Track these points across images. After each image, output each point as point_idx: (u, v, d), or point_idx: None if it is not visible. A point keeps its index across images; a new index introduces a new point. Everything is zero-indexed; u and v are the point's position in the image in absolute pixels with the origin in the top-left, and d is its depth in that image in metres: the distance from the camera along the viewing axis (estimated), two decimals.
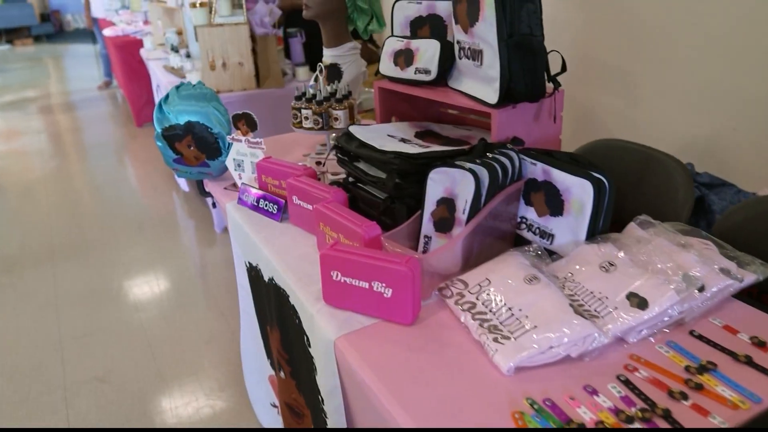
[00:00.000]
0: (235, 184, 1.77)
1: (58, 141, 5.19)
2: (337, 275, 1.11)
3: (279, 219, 1.53)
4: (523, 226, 1.32)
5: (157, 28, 4.18)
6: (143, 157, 4.60)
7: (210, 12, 2.85)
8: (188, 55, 3.31)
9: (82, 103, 6.34)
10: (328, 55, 1.96)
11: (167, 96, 1.77)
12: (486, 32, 1.26)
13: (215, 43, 2.85)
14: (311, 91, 1.71)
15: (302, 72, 3.07)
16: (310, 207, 1.42)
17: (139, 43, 4.94)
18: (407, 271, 1.04)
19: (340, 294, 1.12)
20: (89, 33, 7.17)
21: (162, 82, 3.42)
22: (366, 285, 1.08)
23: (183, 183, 3.62)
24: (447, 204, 1.21)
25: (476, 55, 1.32)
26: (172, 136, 1.73)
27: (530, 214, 1.30)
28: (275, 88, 2.99)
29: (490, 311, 1.05)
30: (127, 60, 4.98)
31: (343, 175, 1.68)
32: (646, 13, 2.22)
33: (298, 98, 1.75)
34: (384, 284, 1.06)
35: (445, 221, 1.22)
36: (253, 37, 2.89)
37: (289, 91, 3.03)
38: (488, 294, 1.08)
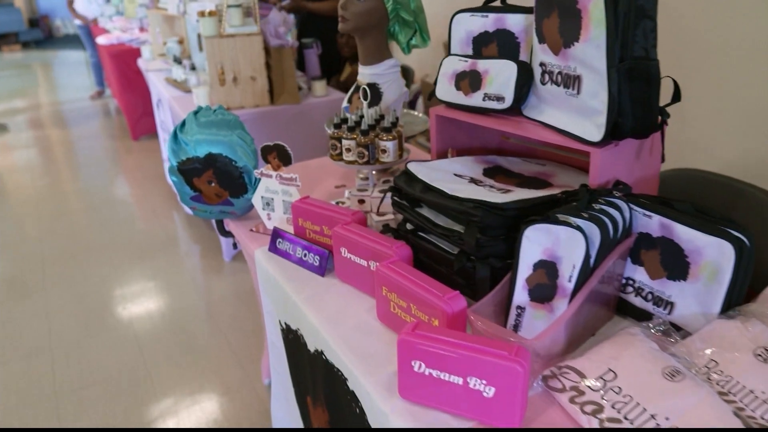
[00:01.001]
0: (262, 226, 1.55)
1: (50, 156, 4.95)
2: (420, 366, 0.89)
3: (323, 273, 1.30)
4: (630, 288, 1.10)
5: (156, 37, 3.96)
6: (141, 174, 4.37)
7: (220, 21, 2.63)
8: (193, 68, 3.09)
9: (74, 113, 6.10)
10: (366, 74, 1.75)
11: (183, 123, 1.55)
12: (590, 55, 1.04)
13: (225, 56, 2.63)
14: (353, 117, 1.49)
15: (319, 87, 2.85)
16: (363, 263, 1.19)
17: (136, 52, 4.71)
18: (517, 367, 0.82)
19: (423, 388, 0.90)
20: (76, 39, 6.95)
21: (164, 97, 3.20)
22: (459, 381, 0.86)
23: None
24: (547, 268, 0.99)
25: (571, 81, 1.11)
26: (189, 171, 1.50)
27: (639, 275, 1.08)
28: (291, 105, 2.76)
29: (626, 418, 0.83)
30: (122, 70, 4.75)
31: (391, 216, 1.47)
32: (696, 28, 2.02)
33: (338, 126, 1.53)
34: (484, 381, 0.85)
35: (543, 288, 1.00)
36: (266, 49, 2.67)
37: (305, 107, 2.81)
38: (618, 393, 0.86)
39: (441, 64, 1.44)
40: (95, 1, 6.22)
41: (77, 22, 6.29)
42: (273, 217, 1.52)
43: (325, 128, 1.61)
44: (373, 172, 1.60)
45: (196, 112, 1.57)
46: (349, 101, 1.82)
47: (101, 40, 5.01)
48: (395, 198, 1.27)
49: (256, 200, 1.52)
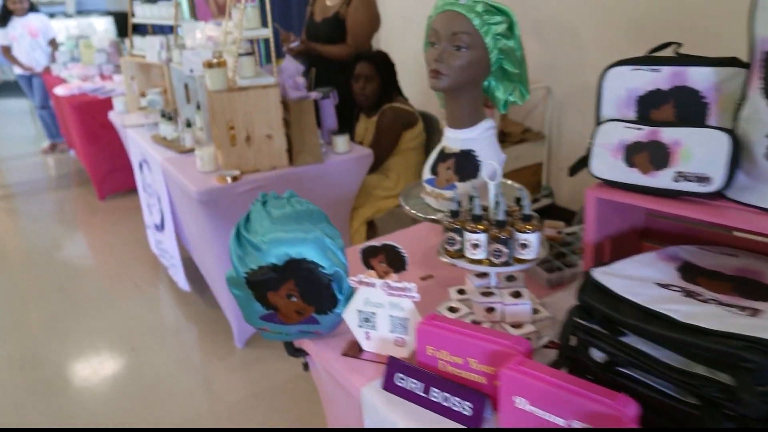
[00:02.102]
0: (357, 348, 1.20)
1: None
2: (522, 403, 0.62)
3: (479, 424, 0.96)
4: None
5: (131, 87, 3.57)
6: (114, 240, 3.91)
7: (230, 73, 2.29)
8: (188, 124, 2.72)
9: (22, 171, 5.54)
10: (457, 139, 1.44)
11: (248, 217, 1.20)
12: None
13: (237, 112, 2.28)
14: (478, 208, 1.16)
15: (341, 143, 2.52)
16: (561, 422, 0.86)
17: (102, 104, 4.29)
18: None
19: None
20: (18, 86, 6.34)
21: (153, 158, 2.81)
22: (562, 422, 0.54)
23: (180, 279, 2.97)
24: None
25: None
26: (263, 283, 1.15)
27: None
28: (312, 165, 2.43)
29: None
30: (87, 123, 4.31)
31: (530, 329, 1.14)
32: None
33: (455, 214, 1.20)
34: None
35: None
36: (283, 103, 2.34)
37: (328, 167, 2.48)
38: None
39: (595, 132, 1.14)
40: (39, 48, 5.74)
41: (18, 70, 5.79)
42: (373, 337, 1.18)
43: (439, 254, 1.28)
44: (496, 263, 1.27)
45: (264, 203, 1.22)
46: (434, 172, 1.50)
47: (60, 90, 4.56)
48: (580, 321, 0.95)
49: (350, 315, 1.18)
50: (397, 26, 4.46)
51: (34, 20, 5.72)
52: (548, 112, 3.58)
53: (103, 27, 7.87)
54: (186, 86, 3.10)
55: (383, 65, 2.80)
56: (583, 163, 1.18)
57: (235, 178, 2.29)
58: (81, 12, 9.41)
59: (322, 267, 1.15)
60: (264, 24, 2.33)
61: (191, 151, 2.70)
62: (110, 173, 4.51)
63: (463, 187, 1.44)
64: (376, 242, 1.16)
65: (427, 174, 1.53)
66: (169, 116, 2.89)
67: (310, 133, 2.39)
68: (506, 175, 3.68)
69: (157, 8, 3.40)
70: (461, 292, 1.31)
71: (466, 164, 1.44)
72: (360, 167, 2.58)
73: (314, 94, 2.40)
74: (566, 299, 1.34)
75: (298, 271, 1.15)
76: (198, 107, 3.02)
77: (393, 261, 1.13)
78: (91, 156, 4.43)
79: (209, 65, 2.24)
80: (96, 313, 3.07)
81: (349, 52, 3.11)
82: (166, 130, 2.87)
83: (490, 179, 1.20)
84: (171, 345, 2.75)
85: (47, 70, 5.67)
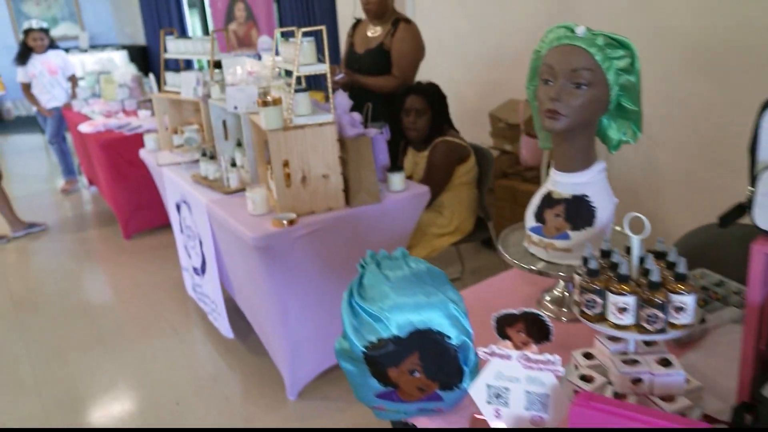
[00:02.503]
0: (484, 426, 1.06)
1: (16, 265, 4.30)
2: None
3: None
4: None
5: (162, 124, 3.48)
6: (143, 281, 3.79)
7: (285, 110, 2.18)
8: (233, 164, 2.61)
9: (41, 210, 5.42)
10: (569, 183, 1.32)
11: (360, 280, 1.07)
12: None
13: (293, 152, 2.17)
14: (624, 267, 1.03)
15: (397, 180, 2.41)
16: None
17: (129, 141, 4.21)
18: None
19: None
20: (34, 121, 6.21)
21: (194, 200, 2.69)
22: None
23: (224, 326, 2.83)
24: None
25: None
26: (383, 358, 1.02)
27: None
28: (370, 205, 2.31)
29: None
30: (113, 161, 4.22)
31: (684, 402, 1.00)
32: None
33: (593, 273, 1.07)
34: None
35: None
36: (340, 141, 2.23)
37: (386, 207, 2.36)
38: None
39: (757, 177, 1.01)
40: (58, 85, 5.68)
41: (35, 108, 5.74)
42: (505, 414, 1.04)
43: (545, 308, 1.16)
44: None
45: (378, 263, 1.09)
46: (539, 219, 1.37)
47: (85, 127, 4.48)
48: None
49: (478, 390, 1.04)
50: (431, 51, 4.38)
51: (53, 57, 5.68)
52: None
53: (123, 61, 7.86)
54: (224, 123, 3.01)
55: (435, 98, 2.69)
56: (737, 212, 1.05)
57: (291, 222, 2.17)
58: (94, 46, 9.43)
59: (449, 337, 1.02)
60: (320, 59, 2.23)
61: (237, 191, 2.59)
62: (136, 211, 4.40)
63: (577, 237, 1.31)
64: (514, 310, 1.03)
65: (531, 221, 1.40)
66: (211, 155, 2.78)
67: (367, 171, 2.28)
68: None
69: (191, 43, 3.33)
70: (588, 356, 1.17)
71: (579, 211, 1.31)
72: (416, 206, 2.46)
73: (372, 131, 2.29)
74: (702, 361, 1.20)
75: (423, 343, 1.02)
76: (239, 144, 2.92)
77: (534, 330, 1.00)
78: (117, 194, 4.33)
79: (264, 103, 2.13)
80: (134, 362, 2.93)
81: (396, 83, 3.01)
82: (208, 169, 2.76)
83: (634, 232, 1.07)
84: (216, 396, 2.61)
85: (68, 106, 5.61)
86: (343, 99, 2.36)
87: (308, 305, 2.37)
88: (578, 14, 3.33)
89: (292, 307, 2.34)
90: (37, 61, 5.59)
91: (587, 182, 1.31)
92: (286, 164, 2.19)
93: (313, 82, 5.28)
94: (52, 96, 5.66)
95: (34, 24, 5.60)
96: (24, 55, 5.58)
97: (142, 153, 3.59)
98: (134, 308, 3.49)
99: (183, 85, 3.26)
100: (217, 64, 3.16)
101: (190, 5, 8.09)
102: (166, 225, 4.37)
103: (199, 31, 7.95)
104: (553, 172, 1.36)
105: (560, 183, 1.34)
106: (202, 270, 2.89)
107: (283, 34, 2.46)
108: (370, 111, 2.58)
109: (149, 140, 3.55)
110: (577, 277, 1.11)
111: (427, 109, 2.67)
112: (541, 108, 1.25)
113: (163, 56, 3.49)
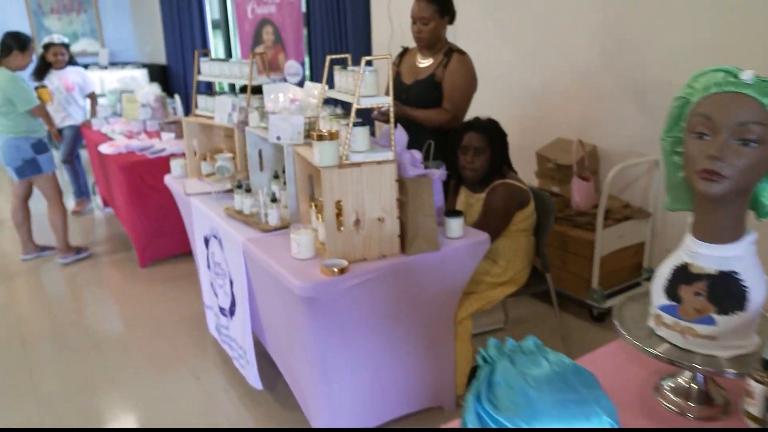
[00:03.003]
0: None
1: (28, 308, 4.09)
2: None
3: None
4: None
5: (191, 150, 3.30)
6: (160, 316, 3.57)
7: (341, 146, 1.98)
8: (274, 199, 2.40)
9: (49, 233, 5.20)
10: (715, 256, 1.10)
11: (489, 382, 0.85)
12: None
13: (348, 192, 1.97)
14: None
15: (455, 226, 2.19)
16: None
17: (152, 164, 4.03)
18: None
19: None
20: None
21: (228, 236, 2.49)
22: None
23: (252, 376, 2.59)
24: None
25: None
26: None
27: None
28: (428, 253, 2.09)
29: None
30: (134, 184, 4.03)
31: None
32: None
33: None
34: None
35: None
36: (398, 181, 2.03)
37: (444, 256, 2.14)
38: None
39: None
40: (74, 102, 5.51)
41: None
42: None
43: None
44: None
45: (510, 358, 0.87)
46: (672, 297, 1.15)
47: (106, 148, 4.30)
48: None
49: None
50: None
51: (72, 74, 5.51)
52: (653, 187, 3.25)
53: (144, 80, 7.73)
54: (260, 153, 2.82)
55: (496, 136, 2.50)
56: None
57: (342, 270, 1.95)
58: (114, 64, 9.34)
59: None
60: (382, 91, 2.04)
61: (277, 229, 2.38)
62: (154, 238, 4.20)
63: (725, 323, 1.09)
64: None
65: (660, 297, 1.18)
66: (247, 188, 2.58)
67: (426, 216, 2.07)
68: (606, 259, 3.27)
69: (228, 66, 3.15)
70: None
71: (727, 290, 1.09)
72: (475, 254, 2.24)
73: (436, 172, 2.09)
74: None
75: None
76: (276, 177, 2.72)
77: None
78: (135, 219, 4.13)
79: (320, 137, 1.93)
80: (146, 405, 2.69)
81: (447, 117, 2.82)
82: (244, 203, 2.56)
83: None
84: None
85: (87, 124, 5.45)
86: (402, 135, 2.16)
87: (353, 362, 2.15)
88: (641, 51, 3.15)
89: (335, 364, 2.12)
90: (54, 77, 5.43)
91: (737, 256, 1.10)
92: (338, 205, 1.99)
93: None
94: (67, 114, 5.49)
95: (56, 39, 5.44)
96: (42, 70, 5.41)
97: (168, 179, 3.40)
98: (149, 345, 3.26)
99: (217, 109, 3.08)
100: (255, 89, 2.99)
101: (214, 26, 8.00)
102: (184, 254, 4.17)
103: (221, 53, 7.84)
104: (691, 241, 1.14)
105: (702, 255, 1.12)
106: (230, 312, 2.67)
107: (336, 62, 2.28)
108: (432, 149, 2.38)
109: (176, 166, 3.36)
110: (755, 384, 0.89)
111: (486, 147, 2.47)
112: (694, 167, 1.04)
113: (195, 78, 3.32)
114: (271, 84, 2.74)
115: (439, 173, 2.15)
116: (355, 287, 1.99)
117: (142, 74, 8.68)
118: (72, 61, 5.60)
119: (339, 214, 2.00)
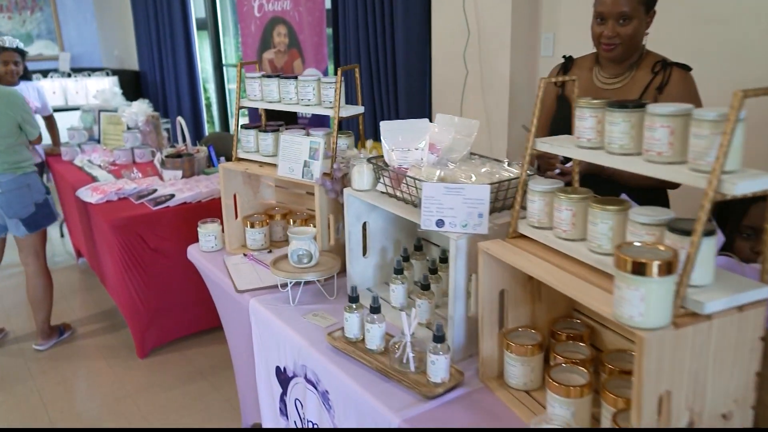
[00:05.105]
0: None
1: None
2: None
3: None
4: None
5: (229, 210, 2.23)
6: (170, 420, 2.48)
7: (677, 283, 0.96)
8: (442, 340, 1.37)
9: (19, 308, 4.02)
10: None
11: None
12: None
13: (683, 372, 0.95)
14: None
15: None
16: None
17: (155, 219, 2.93)
18: None
19: None
20: None
21: (330, 378, 1.46)
22: None
23: None
24: None
25: None
26: None
27: None
28: None
29: None
30: (131, 248, 2.91)
31: None
32: None
33: None
34: None
35: None
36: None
37: None
38: None
39: None
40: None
41: None
42: None
43: None
44: None
45: None
46: None
47: (88, 195, 3.15)
48: None
49: None
50: None
51: (28, 93, 4.25)
52: None
53: (117, 90, 6.52)
54: (364, 227, 1.78)
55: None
56: None
57: None
58: (78, 70, 8.06)
59: None
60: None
61: (448, 391, 1.34)
62: (156, 318, 3.09)
63: None
64: None
65: None
66: (354, 296, 1.54)
67: None
68: None
69: (293, 85, 2.08)
70: None
71: None
72: None
73: None
74: None
75: None
76: (398, 272, 1.68)
77: None
78: (132, 294, 3.00)
79: (638, 267, 0.90)
80: None
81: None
82: (353, 323, 1.51)
83: None
84: None
85: (53, 150, 4.26)
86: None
87: None
88: None
89: None
90: None
91: None
92: (660, 399, 0.96)
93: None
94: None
95: (7, 42, 4.05)
96: None
97: (194, 253, 2.31)
98: None
99: (281, 155, 2.02)
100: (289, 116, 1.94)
101: (199, 27, 6.83)
102: (195, 334, 3.12)
103: (208, 59, 6.68)
104: None
105: None
106: None
107: None
108: None
109: (207, 236, 2.27)
110: None
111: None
112: None
113: (237, 103, 2.23)
114: (391, 123, 1.69)
115: None
116: None
117: (111, 82, 7.46)
118: (26, 76, 4.34)
119: (659, 413, 0.98)
